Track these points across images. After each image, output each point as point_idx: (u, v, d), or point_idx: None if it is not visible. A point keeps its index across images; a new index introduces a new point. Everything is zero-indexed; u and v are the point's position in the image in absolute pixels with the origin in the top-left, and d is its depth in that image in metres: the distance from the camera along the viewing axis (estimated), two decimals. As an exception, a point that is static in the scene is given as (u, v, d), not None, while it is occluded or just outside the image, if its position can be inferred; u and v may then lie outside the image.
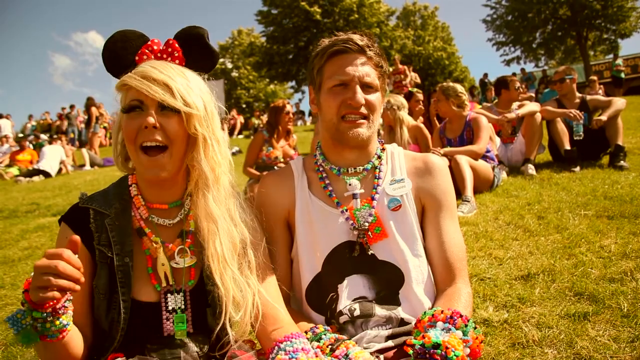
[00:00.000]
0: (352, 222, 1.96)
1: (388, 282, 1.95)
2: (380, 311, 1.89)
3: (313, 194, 2.04)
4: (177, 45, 1.79)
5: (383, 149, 2.15)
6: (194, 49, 1.81)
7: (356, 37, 1.96)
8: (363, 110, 1.95)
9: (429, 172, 2.08)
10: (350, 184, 2.01)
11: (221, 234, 1.75)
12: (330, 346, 1.69)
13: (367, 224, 1.95)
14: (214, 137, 1.75)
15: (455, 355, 1.51)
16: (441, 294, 1.92)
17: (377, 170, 2.07)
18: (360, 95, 1.92)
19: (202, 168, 1.73)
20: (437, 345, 1.52)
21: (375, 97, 1.98)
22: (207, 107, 1.73)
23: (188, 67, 1.77)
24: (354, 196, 2.01)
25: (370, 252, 1.96)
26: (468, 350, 1.55)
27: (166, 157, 1.66)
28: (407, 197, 2.02)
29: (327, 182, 2.05)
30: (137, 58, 1.75)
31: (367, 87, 1.96)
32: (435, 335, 1.57)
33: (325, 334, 1.76)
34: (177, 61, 1.77)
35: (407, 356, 1.79)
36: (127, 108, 1.65)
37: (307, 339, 1.74)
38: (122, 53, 1.75)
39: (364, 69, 1.95)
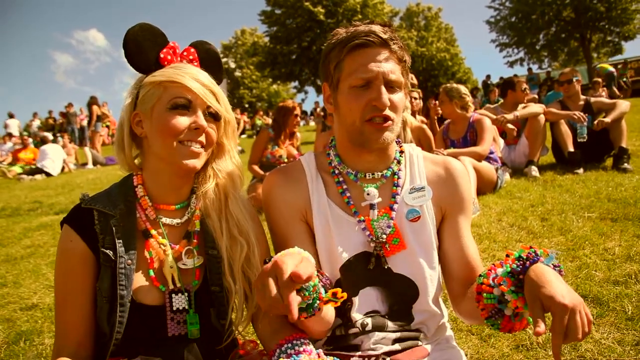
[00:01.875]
0: (369, 233, 1.84)
1: (402, 296, 1.86)
2: (392, 326, 1.84)
3: (331, 200, 1.90)
4: (196, 54, 1.83)
5: (402, 152, 2.00)
6: (208, 65, 1.84)
7: (378, 29, 1.74)
8: (387, 112, 1.76)
9: (451, 179, 1.95)
10: (368, 193, 1.85)
11: (236, 233, 1.79)
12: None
13: (384, 235, 1.83)
14: (235, 145, 1.87)
15: (540, 253, 1.48)
16: (465, 294, 1.82)
17: (396, 177, 1.92)
18: (386, 96, 1.73)
19: (230, 172, 1.85)
20: (535, 253, 1.47)
21: (399, 97, 1.80)
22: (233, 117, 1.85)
23: None
24: (371, 206, 1.86)
25: (386, 266, 1.85)
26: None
27: (202, 153, 1.73)
28: (426, 207, 1.89)
29: (344, 187, 1.89)
30: (161, 56, 1.74)
31: (391, 86, 1.77)
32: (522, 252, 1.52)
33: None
34: None
35: (415, 358, 1.78)
36: (175, 105, 1.66)
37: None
38: (146, 45, 1.72)
39: (388, 65, 1.74)
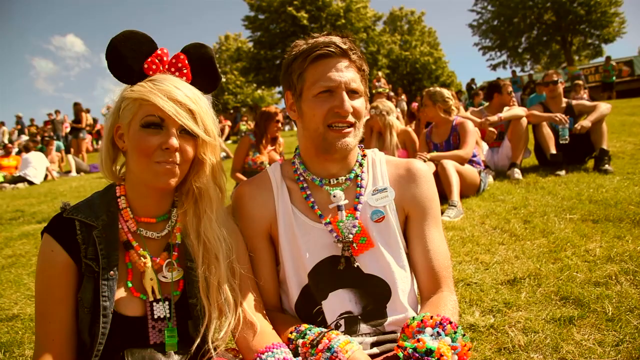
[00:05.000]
0: (335, 234, 1.89)
1: (375, 296, 1.89)
2: (365, 328, 1.86)
3: (295, 207, 1.96)
4: (186, 61, 1.77)
5: (364, 155, 2.07)
6: (201, 70, 1.80)
7: (338, 40, 1.84)
8: (350, 118, 1.85)
9: (412, 179, 2.00)
10: (334, 196, 1.92)
11: (214, 250, 1.76)
12: (312, 342, 1.64)
13: (351, 235, 1.88)
14: (219, 161, 1.83)
15: None
16: (426, 301, 1.85)
17: (359, 179, 1.99)
18: (348, 103, 1.82)
19: (209, 191, 1.80)
20: (430, 352, 1.47)
21: (360, 103, 1.89)
22: (215, 132, 1.77)
23: (192, 85, 1.76)
24: (338, 208, 1.92)
25: (355, 265, 1.89)
26: (456, 358, 1.50)
27: (177, 170, 1.68)
28: (389, 207, 1.95)
29: (308, 192, 1.96)
30: (145, 66, 1.71)
31: (353, 93, 1.86)
32: (429, 340, 1.52)
33: (310, 330, 1.70)
34: (184, 78, 1.76)
35: None
36: (146, 123, 1.62)
37: (292, 338, 1.70)
38: (130, 55, 1.69)
39: (348, 73, 1.84)
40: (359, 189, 1.97)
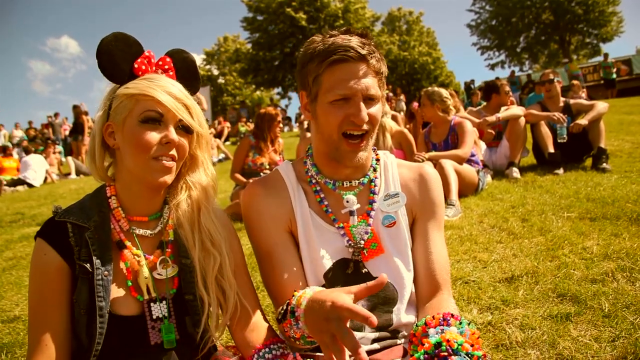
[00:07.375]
0: (348, 239, 1.89)
1: (383, 300, 1.89)
2: (369, 329, 1.85)
3: (312, 209, 1.94)
4: (172, 64, 1.81)
5: (378, 159, 2.05)
6: (184, 73, 1.84)
7: (356, 43, 1.76)
8: (365, 126, 1.81)
9: (423, 183, 2.00)
10: (347, 201, 1.91)
11: (209, 245, 1.77)
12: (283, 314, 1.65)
13: (362, 241, 1.88)
14: (209, 157, 1.87)
15: (459, 344, 1.46)
16: (425, 304, 1.84)
17: (373, 184, 1.98)
18: (364, 112, 1.76)
19: (204, 184, 1.83)
20: (438, 345, 1.48)
21: (377, 109, 1.84)
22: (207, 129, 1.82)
23: None
24: (351, 213, 1.92)
25: (364, 270, 1.89)
26: (469, 347, 1.48)
27: (173, 167, 1.70)
28: (400, 212, 1.95)
29: (322, 196, 1.95)
30: (135, 66, 1.73)
31: (370, 100, 1.80)
32: (432, 337, 1.53)
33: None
34: None
35: (393, 357, 1.80)
36: (146, 119, 1.64)
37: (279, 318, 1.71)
38: (119, 55, 1.70)
39: (366, 80, 1.77)
40: (372, 194, 1.96)
